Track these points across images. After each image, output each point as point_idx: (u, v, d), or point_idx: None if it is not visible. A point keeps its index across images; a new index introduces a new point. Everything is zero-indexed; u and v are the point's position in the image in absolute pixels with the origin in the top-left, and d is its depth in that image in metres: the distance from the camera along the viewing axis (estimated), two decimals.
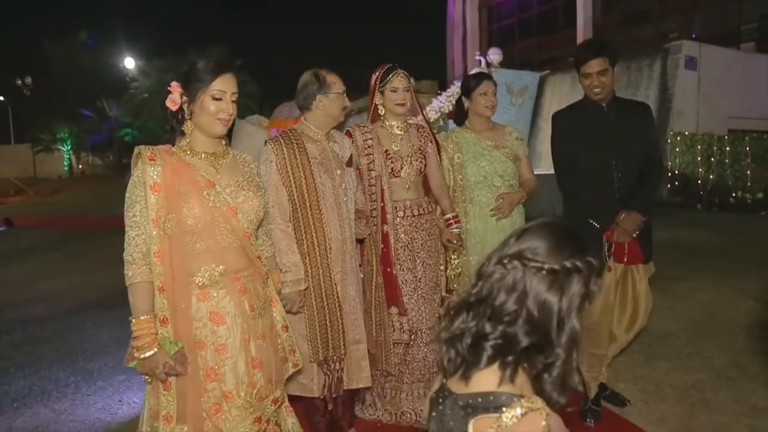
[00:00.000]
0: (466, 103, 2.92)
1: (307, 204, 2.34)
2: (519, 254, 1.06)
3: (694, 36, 14.10)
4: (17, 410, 3.14)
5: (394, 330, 2.64)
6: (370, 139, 2.67)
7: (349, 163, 2.55)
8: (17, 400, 3.27)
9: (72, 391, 3.36)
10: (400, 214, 2.70)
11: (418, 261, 2.71)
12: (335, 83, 2.41)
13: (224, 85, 1.74)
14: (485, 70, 13.72)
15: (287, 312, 2.10)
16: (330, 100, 2.39)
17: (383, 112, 2.72)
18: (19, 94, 34.95)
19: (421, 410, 2.63)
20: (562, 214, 2.94)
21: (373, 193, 2.65)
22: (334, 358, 2.39)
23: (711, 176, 10.67)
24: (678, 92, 11.42)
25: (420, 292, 2.70)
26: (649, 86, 11.90)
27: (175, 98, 1.73)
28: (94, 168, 34.41)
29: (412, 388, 2.71)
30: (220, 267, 1.75)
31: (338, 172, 2.45)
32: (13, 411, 3.14)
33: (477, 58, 14.54)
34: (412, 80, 2.73)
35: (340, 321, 2.39)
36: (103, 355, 3.90)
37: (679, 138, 11.04)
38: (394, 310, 2.65)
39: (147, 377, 1.71)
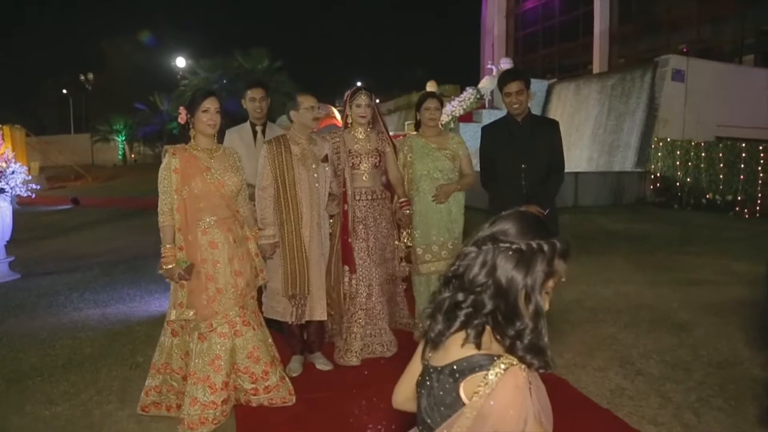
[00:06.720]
0: (418, 115, 3.74)
1: (287, 187, 3.18)
2: (492, 236, 1.20)
3: (685, 50, 15.08)
4: (105, 307, 4.90)
5: (344, 284, 3.46)
6: (338, 141, 3.50)
7: (326, 160, 3.33)
8: (104, 302, 5.05)
9: (138, 299, 5.11)
10: (358, 197, 3.49)
11: (370, 234, 3.50)
12: (304, 102, 3.20)
13: (209, 104, 2.69)
14: (497, 78, 15.05)
15: (264, 257, 3.11)
16: (300, 114, 3.23)
17: (351, 121, 3.57)
18: (80, 88, 38.08)
19: (378, 343, 3.49)
20: (487, 206, 3.56)
21: (339, 181, 3.44)
22: (300, 295, 3.18)
23: (688, 179, 11.73)
24: (664, 102, 12.52)
25: (372, 257, 3.50)
26: (639, 96, 13.04)
27: (183, 116, 2.73)
28: (145, 157, 36.77)
29: (366, 329, 3.49)
30: (214, 217, 2.73)
31: (313, 166, 3.25)
32: (103, 307, 4.90)
33: (489, 66, 15.81)
34: (374, 98, 3.57)
35: (305, 269, 3.18)
36: (158, 283, 5.60)
37: (661, 144, 12.16)
38: (346, 268, 3.46)
39: (168, 279, 2.73)
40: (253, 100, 3.84)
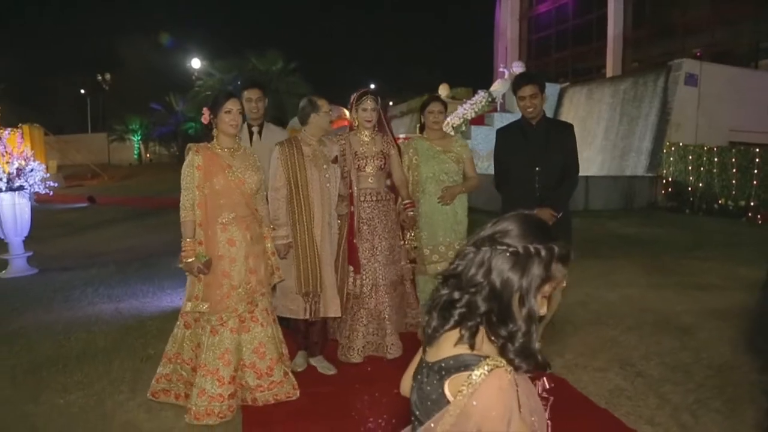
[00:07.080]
0: (422, 118, 3.83)
1: (300, 187, 3.25)
2: (490, 237, 1.20)
3: (698, 54, 14.98)
4: (119, 302, 5.04)
5: (348, 283, 3.53)
6: (344, 143, 3.57)
7: (336, 161, 3.42)
8: (118, 297, 5.19)
9: (151, 295, 5.24)
10: (363, 198, 3.55)
11: (375, 235, 3.56)
12: (323, 105, 3.31)
13: (231, 105, 2.81)
14: (508, 81, 15.08)
15: (280, 257, 3.19)
16: (320, 117, 3.31)
17: (356, 124, 3.63)
18: (97, 88, 38.70)
19: (380, 343, 3.53)
20: (500, 209, 3.43)
21: (346, 183, 3.52)
22: (313, 292, 3.27)
23: (700, 184, 11.66)
24: (676, 106, 12.46)
25: (377, 258, 3.55)
26: (652, 100, 12.99)
27: (206, 116, 2.86)
28: (160, 157, 37.19)
29: (368, 328, 3.56)
30: (233, 214, 2.84)
31: (324, 166, 3.34)
32: (116, 302, 5.04)
33: (501, 69, 15.81)
34: (380, 102, 3.61)
35: (318, 268, 3.27)
36: (171, 280, 5.74)
37: (673, 148, 12.11)
38: (351, 268, 3.54)
39: (187, 273, 2.85)
40: (250, 101, 3.80)
